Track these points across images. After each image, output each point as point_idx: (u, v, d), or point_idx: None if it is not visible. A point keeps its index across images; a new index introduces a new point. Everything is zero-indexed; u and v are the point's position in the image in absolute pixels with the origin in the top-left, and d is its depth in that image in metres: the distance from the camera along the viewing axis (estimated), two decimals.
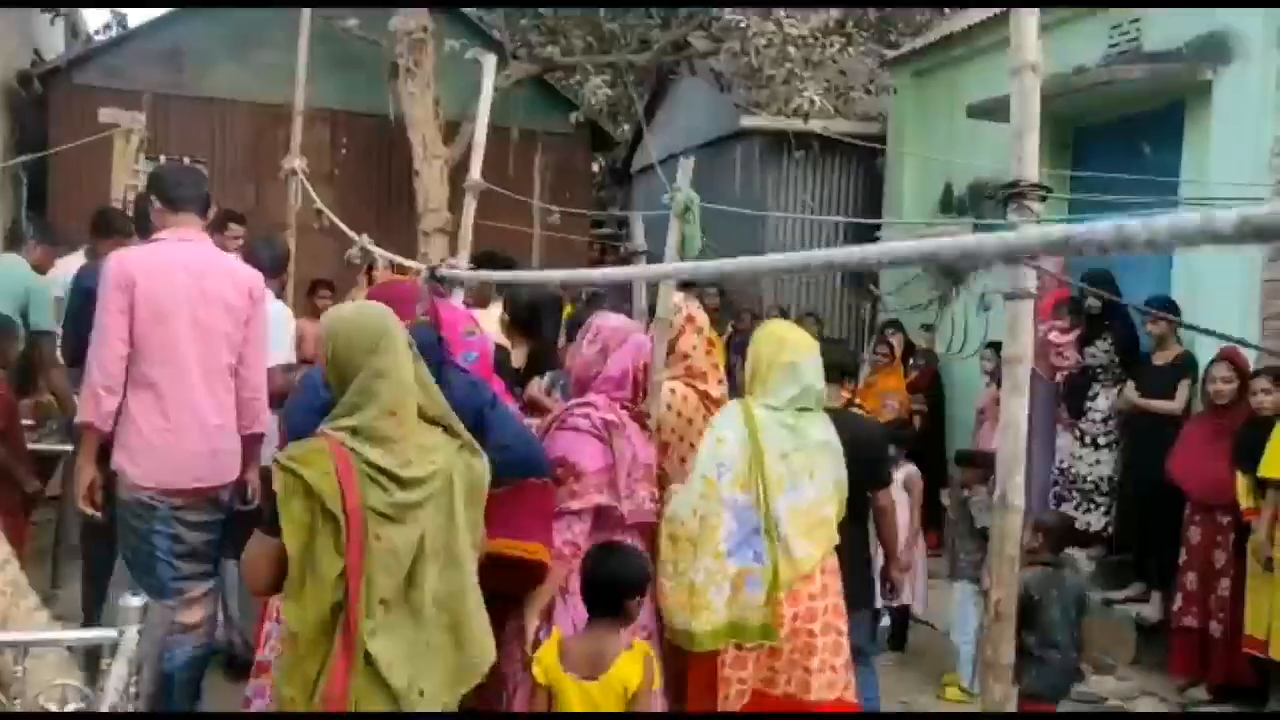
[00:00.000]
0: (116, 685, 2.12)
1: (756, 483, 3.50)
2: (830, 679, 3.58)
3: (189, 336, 3.82)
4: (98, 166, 9.19)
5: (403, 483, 2.51)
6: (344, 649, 2.42)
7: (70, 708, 2.41)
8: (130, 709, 2.25)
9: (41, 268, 5.78)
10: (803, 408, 3.67)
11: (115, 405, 3.75)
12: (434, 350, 3.11)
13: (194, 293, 3.84)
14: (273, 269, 5.10)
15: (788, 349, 3.72)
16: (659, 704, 2.99)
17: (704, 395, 3.96)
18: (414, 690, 2.50)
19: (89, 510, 3.84)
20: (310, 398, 3.03)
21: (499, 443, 3.09)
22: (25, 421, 5.50)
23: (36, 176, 10.60)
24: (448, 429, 2.68)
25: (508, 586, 3.22)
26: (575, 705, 2.95)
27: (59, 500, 6.01)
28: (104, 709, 1.97)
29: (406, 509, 2.51)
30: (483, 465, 2.70)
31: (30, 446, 5.29)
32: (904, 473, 6.23)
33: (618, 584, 3.05)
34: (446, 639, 2.59)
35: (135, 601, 2.41)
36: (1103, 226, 1.25)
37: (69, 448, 5.38)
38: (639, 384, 3.67)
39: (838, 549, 3.73)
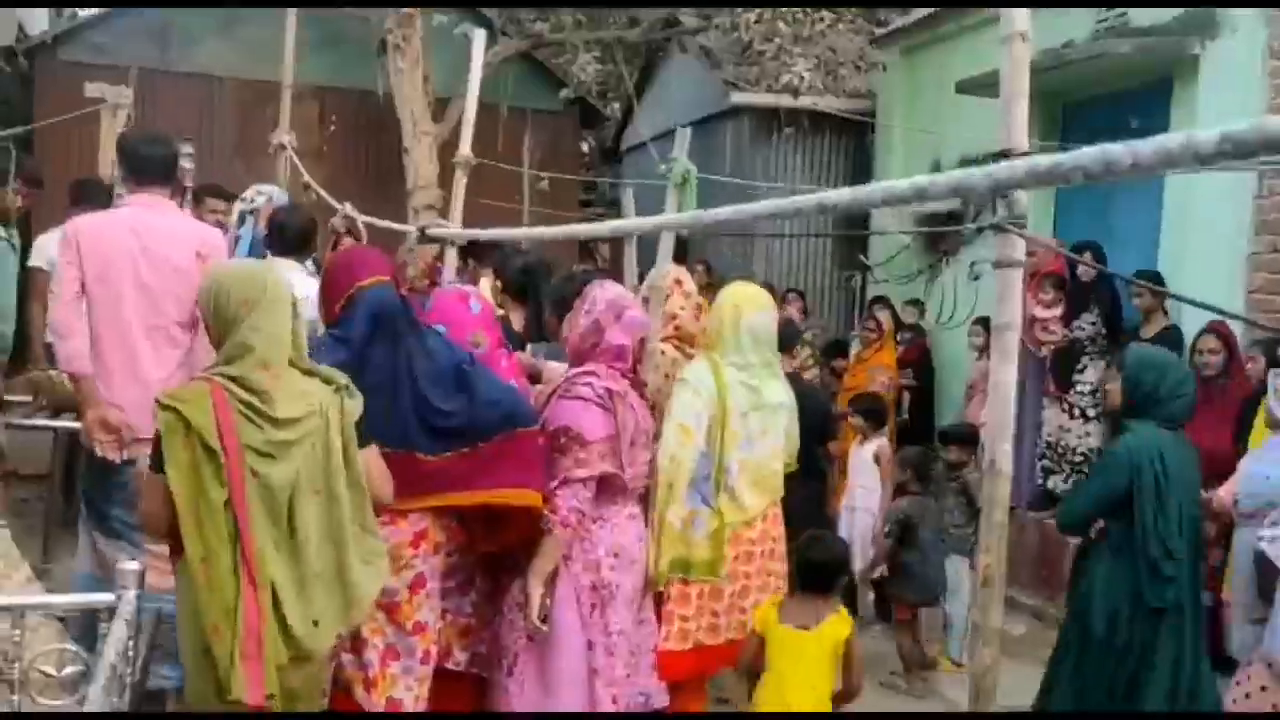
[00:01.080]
0: (116, 647, 2.14)
1: (717, 436, 3.78)
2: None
3: (131, 296, 3.95)
4: (85, 142, 9.11)
5: (277, 422, 2.63)
6: (249, 578, 2.54)
7: (69, 670, 2.44)
8: (129, 671, 2.28)
9: (22, 206, 5.71)
10: (765, 364, 3.97)
11: (71, 349, 3.91)
12: (398, 308, 3.18)
13: (137, 254, 3.96)
14: (294, 244, 4.97)
15: (746, 307, 3.97)
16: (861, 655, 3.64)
17: (691, 359, 4.08)
18: (308, 622, 2.61)
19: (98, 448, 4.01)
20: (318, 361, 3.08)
21: (486, 398, 3.19)
22: (20, 398, 5.50)
23: (22, 153, 10.53)
24: (325, 379, 2.78)
25: (511, 535, 3.31)
26: (786, 650, 3.58)
27: (49, 477, 6.02)
28: (103, 671, 1.99)
29: (282, 446, 2.63)
30: (355, 405, 2.79)
31: (22, 422, 5.30)
32: (875, 445, 6.27)
33: (830, 568, 3.69)
34: (330, 572, 2.70)
35: (132, 566, 2.43)
36: (1088, 152, 1.36)
37: (62, 424, 5.39)
38: (637, 357, 3.70)
39: (798, 500, 4.23)
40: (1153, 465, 3.77)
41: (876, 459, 6.19)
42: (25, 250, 5.73)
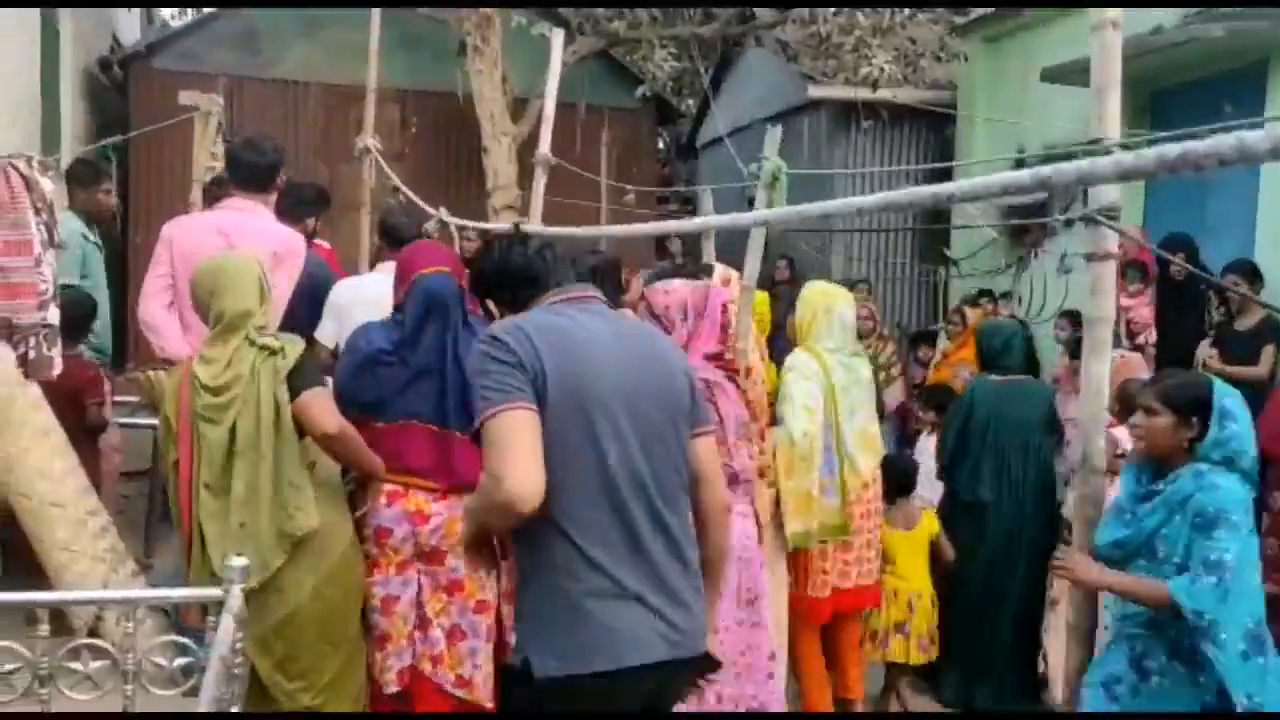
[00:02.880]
0: (224, 638, 2.22)
1: (831, 411, 4.32)
2: (873, 566, 4.57)
3: None
4: (177, 149, 9.39)
5: (213, 390, 3.16)
6: (185, 524, 3.15)
7: (179, 662, 2.54)
8: (239, 661, 2.36)
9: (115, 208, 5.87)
10: (854, 352, 4.54)
11: (163, 340, 4.25)
12: (451, 296, 3.42)
13: (219, 251, 4.16)
14: (404, 245, 5.13)
15: (831, 301, 4.52)
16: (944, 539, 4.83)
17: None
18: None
19: None
20: (352, 359, 3.40)
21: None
22: (127, 398, 5.68)
23: (120, 159, 10.85)
24: (264, 346, 3.21)
25: None
26: (901, 550, 4.78)
27: (150, 473, 6.21)
28: (214, 663, 2.07)
29: (216, 409, 3.15)
30: (287, 363, 3.19)
31: (126, 421, 5.49)
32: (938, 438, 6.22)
33: (903, 474, 4.89)
34: (254, 521, 3.13)
35: (239, 561, 2.52)
36: (1172, 148, 1.34)
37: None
38: (727, 329, 3.81)
39: None
40: (976, 403, 4.95)
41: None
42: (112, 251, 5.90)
